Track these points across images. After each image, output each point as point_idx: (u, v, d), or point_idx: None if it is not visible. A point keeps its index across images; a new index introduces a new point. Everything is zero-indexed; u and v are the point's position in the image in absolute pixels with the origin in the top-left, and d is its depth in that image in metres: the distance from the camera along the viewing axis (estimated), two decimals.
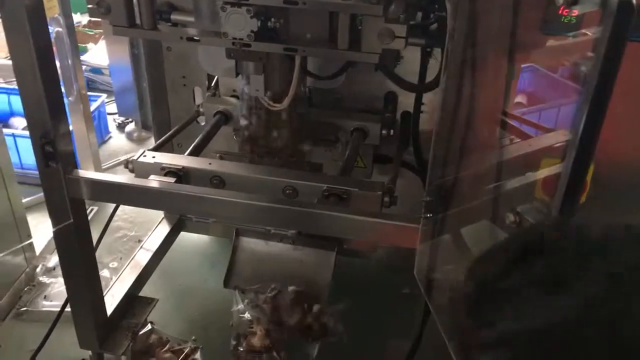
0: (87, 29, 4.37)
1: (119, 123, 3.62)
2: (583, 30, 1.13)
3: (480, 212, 1.47)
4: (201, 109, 1.98)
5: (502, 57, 1.32)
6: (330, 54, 1.42)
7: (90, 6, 1.42)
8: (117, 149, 3.44)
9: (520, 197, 1.38)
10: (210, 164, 1.60)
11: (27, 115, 1.47)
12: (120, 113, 3.46)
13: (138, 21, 1.44)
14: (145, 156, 1.63)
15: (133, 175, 1.65)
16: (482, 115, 1.44)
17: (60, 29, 2.23)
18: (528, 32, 1.24)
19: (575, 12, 1.12)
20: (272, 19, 1.37)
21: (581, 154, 0.84)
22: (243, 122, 1.73)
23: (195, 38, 1.44)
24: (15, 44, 1.36)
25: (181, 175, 1.58)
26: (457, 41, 1.23)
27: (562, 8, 1.16)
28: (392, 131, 1.86)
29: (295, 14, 1.39)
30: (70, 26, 2.37)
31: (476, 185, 1.49)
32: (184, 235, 2.52)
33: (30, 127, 1.49)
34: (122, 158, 3.30)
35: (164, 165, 1.58)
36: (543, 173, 1.28)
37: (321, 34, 1.40)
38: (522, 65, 1.88)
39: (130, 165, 1.62)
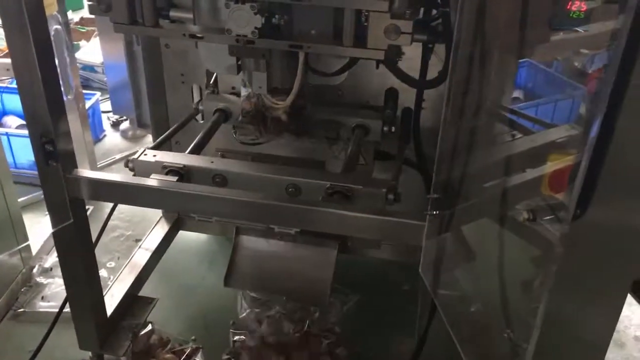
0: (78, 26, 4.33)
1: (113, 121, 3.59)
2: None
3: (484, 209, 1.47)
4: (200, 107, 1.96)
5: (509, 52, 1.32)
6: (336, 51, 1.40)
7: (90, 3, 1.40)
8: (112, 147, 3.41)
9: (526, 193, 1.38)
10: (212, 162, 1.59)
11: (27, 113, 1.45)
12: (115, 111, 3.41)
13: (139, 18, 1.42)
14: (146, 155, 1.61)
15: (132, 174, 1.63)
16: (487, 111, 1.44)
17: (59, 27, 2.20)
18: (535, 27, 1.23)
19: (584, 7, 1.12)
20: (277, 16, 1.35)
21: (598, 148, 0.83)
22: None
23: (198, 35, 1.42)
24: (15, 42, 1.34)
25: (183, 174, 1.56)
26: (464, 36, 1.22)
27: (570, 3, 1.16)
28: (393, 127, 1.85)
29: (299, 10, 1.38)
30: (66, 24, 2.34)
31: (481, 182, 1.49)
32: (182, 234, 2.50)
33: (29, 125, 1.47)
34: (118, 157, 3.27)
35: (165, 163, 1.56)
36: (550, 169, 1.28)
37: (326, 30, 1.39)
38: (520, 61, 1.88)
39: (130, 164, 1.60)
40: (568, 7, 1.15)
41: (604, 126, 0.83)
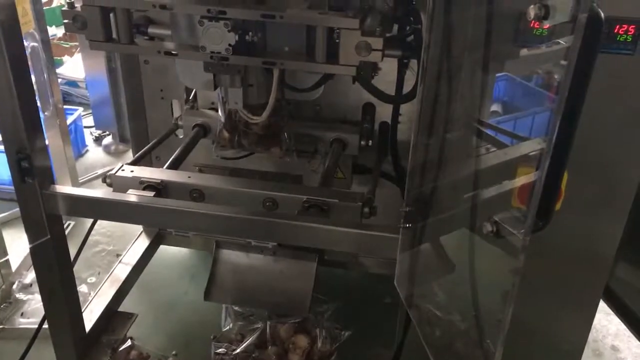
0: (62, 41, 4.33)
1: (95, 136, 3.59)
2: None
3: (458, 221, 1.49)
4: (180, 122, 1.97)
5: (477, 68, 1.35)
6: (308, 67, 1.42)
7: (66, 21, 1.41)
8: (94, 162, 3.41)
9: (498, 205, 1.40)
10: (189, 177, 1.60)
11: (3, 130, 1.46)
12: (97, 126, 3.43)
13: (115, 35, 1.44)
14: (123, 170, 1.62)
15: (111, 189, 1.63)
16: (459, 125, 1.46)
17: (35, 44, 2.21)
18: (501, 44, 1.26)
19: (547, 25, 1.15)
20: (250, 33, 1.37)
21: (555, 162, 0.86)
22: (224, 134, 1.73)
23: (172, 52, 1.44)
24: None
25: (160, 189, 1.57)
26: (433, 52, 1.25)
27: (532, 22, 1.19)
28: (370, 141, 1.87)
29: (272, 27, 1.40)
30: (45, 41, 2.35)
31: (454, 195, 1.51)
32: (163, 249, 2.50)
33: (5, 142, 1.47)
34: (100, 171, 3.27)
35: (142, 179, 1.57)
36: (518, 182, 1.30)
37: (299, 47, 1.41)
38: (497, 75, 1.92)
39: (108, 179, 1.61)
40: (531, 25, 1.18)
41: (560, 137, 0.86)
